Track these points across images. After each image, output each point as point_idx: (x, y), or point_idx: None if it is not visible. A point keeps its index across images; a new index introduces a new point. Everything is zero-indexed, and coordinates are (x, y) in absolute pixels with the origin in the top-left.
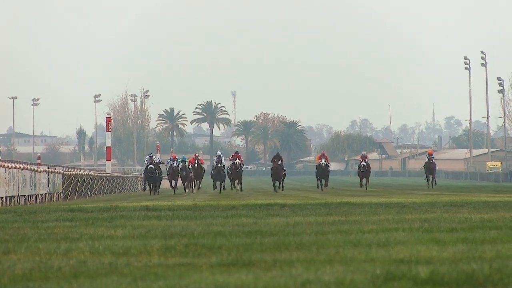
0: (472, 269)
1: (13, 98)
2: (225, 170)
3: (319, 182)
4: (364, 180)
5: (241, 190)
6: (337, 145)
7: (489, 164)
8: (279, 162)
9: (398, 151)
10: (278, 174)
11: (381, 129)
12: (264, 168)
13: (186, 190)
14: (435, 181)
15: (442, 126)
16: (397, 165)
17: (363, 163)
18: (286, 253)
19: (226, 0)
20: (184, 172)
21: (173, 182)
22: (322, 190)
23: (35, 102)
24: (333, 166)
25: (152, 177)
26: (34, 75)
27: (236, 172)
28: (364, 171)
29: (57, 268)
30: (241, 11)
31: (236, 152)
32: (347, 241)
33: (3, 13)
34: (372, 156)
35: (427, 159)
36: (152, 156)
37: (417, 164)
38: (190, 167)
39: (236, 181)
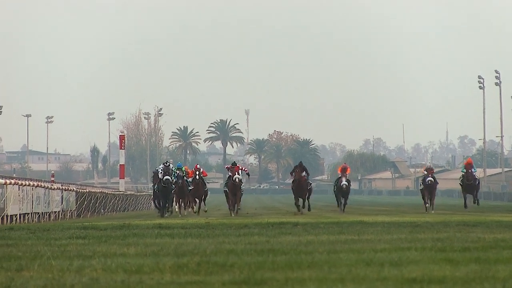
0: None
1: (27, 115)
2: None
3: (338, 202)
4: (429, 199)
5: (236, 213)
6: (350, 164)
7: None
8: (303, 173)
9: (412, 170)
10: (301, 188)
11: (395, 148)
12: (277, 187)
13: (185, 211)
14: (477, 200)
15: (455, 145)
16: (411, 185)
17: (430, 178)
18: (298, 271)
19: (240, 19)
20: (180, 182)
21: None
22: (343, 211)
23: (49, 120)
24: None
25: (166, 187)
26: (48, 93)
27: (234, 188)
28: (430, 186)
29: (70, 285)
30: (255, 29)
31: (234, 164)
32: (359, 260)
33: (18, 33)
34: (385, 175)
35: (463, 171)
36: (169, 165)
37: None
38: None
39: (234, 201)
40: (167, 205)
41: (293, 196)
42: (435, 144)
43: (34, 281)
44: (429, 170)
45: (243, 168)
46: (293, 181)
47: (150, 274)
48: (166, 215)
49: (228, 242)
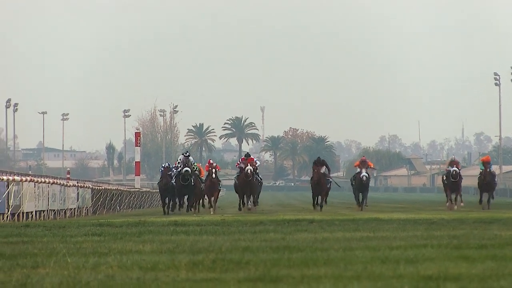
0: (501, 287)
1: (43, 113)
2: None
3: (357, 198)
4: (454, 194)
5: (255, 205)
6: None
7: None
8: (322, 170)
9: (427, 167)
10: (320, 185)
11: (410, 145)
12: (292, 184)
13: (193, 210)
14: (491, 198)
15: (471, 142)
16: (426, 181)
17: (455, 168)
18: (314, 269)
19: (254, 16)
20: (193, 178)
21: (166, 199)
22: (361, 209)
23: (65, 117)
24: None
25: (185, 186)
26: (63, 90)
27: (247, 183)
28: (455, 182)
29: (86, 282)
30: (270, 27)
31: (247, 155)
32: (375, 257)
33: (33, 30)
34: (401, 172)
35: (481, 169)
36: (189, 155)
37: None
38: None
39: (247, 196)
40: (187, 201)
41: (312, 195)
42: (451, 141)
43: (50, 278)
44: (455, 163)
45: (255, 164)
46: (311, 178)
47: (165, 271)
48: (180, 211)
49: (244, 239)
